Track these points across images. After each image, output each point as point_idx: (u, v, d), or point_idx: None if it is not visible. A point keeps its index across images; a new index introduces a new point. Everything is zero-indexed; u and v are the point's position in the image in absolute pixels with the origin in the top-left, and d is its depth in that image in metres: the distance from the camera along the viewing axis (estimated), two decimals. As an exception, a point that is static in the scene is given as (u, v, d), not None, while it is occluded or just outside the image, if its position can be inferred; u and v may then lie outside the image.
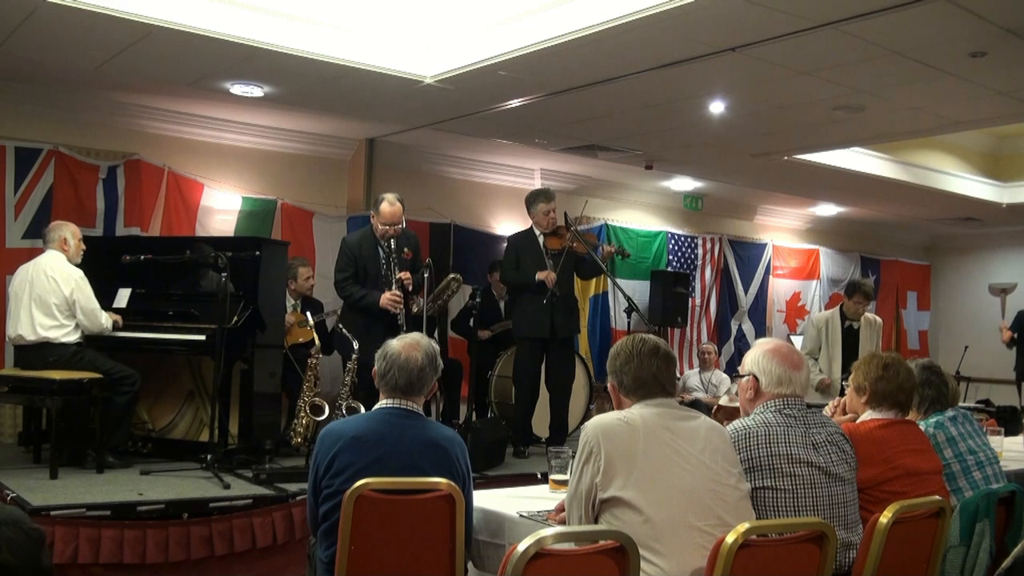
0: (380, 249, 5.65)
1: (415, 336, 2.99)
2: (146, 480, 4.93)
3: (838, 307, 6.84)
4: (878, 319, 6.91)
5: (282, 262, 6.15)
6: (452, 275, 6.92)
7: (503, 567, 2.03)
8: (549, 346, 6.24)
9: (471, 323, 6.65)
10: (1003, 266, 11.88)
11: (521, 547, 2.02)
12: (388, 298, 5.48)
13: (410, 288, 5.51)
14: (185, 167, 7.10)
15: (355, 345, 5.56)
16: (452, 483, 2.68)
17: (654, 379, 2.59)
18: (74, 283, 5.17)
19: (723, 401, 7.45)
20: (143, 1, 4.81)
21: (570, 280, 6.37)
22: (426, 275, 5.54)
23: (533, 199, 6.33)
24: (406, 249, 5.66)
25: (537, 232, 6.31)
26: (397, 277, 5.51)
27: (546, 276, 6.07)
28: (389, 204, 5.56)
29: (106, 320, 5.31)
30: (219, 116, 7.15)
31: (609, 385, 2.72)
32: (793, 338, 10.28)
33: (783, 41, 4.82)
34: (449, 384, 6.96)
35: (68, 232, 5.36)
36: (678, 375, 9.32)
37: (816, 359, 6.65)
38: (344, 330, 5.52)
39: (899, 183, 8.72)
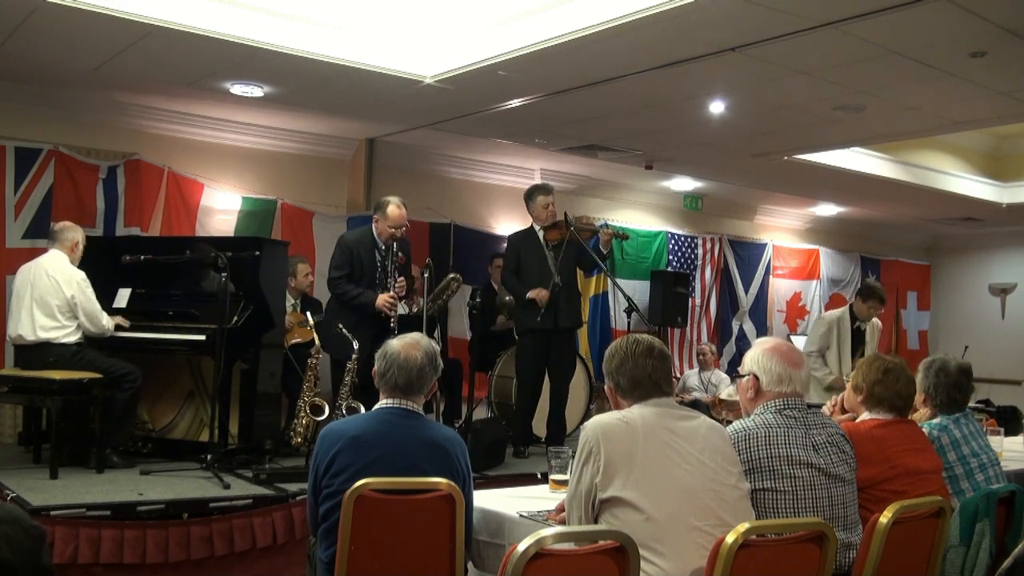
0: (377, 252, 5.68)
1: (415, 336, 2.99)
2: (146, 480, 4.93)
3: (848, 307, 6.85)
4: (879, 322, 6.95)
5: (282, 262, 6.15)
6: (452, 275, 6.92)
7: (503, 567, 2.03)
8: (552, 337, 6.23)
9: (471, 324, 6.65)
10: (1003, 266, 11.89)
11: (521, 547, 2.02)
12: (385, 300, 5.50)
13: (402, 295, 5.57)
14: (185, 167, 7.10)
15: (355, 345, 5.56)
16: (452, 483, 2.68)
17: (650, 379, 2.59)
18: (76, 285, 5.17)
19: (723, 395, 7.44)
20: (143, 1, 4.81)
21: (572, 271, 6.36)
22: (426, 275, 5.54)
23: (532, 193, 6.33)
24: (400, 254, 5.68)
25: (537, 228, 6.30)
26: (394, 282, 5.55)
27: (537, 295, 6.08)
28: (396, 207, 5.63)
29: (107, 322, 5.31)
30: (219, 116, 7.15)
31: (606, 387, 2.73)
32: (793, 338, 10.27)
33: (783, 41, 4.82)
34: (449, 384, 6.96)
35: (80, 236, 5.40)
36: (677, 375, 9.32)
37: (824, 358, 6.67)
38: (344, 330, 5.52)
39: (899, 183, 8.72)
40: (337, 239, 5.91)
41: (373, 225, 5.73)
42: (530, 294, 6.11)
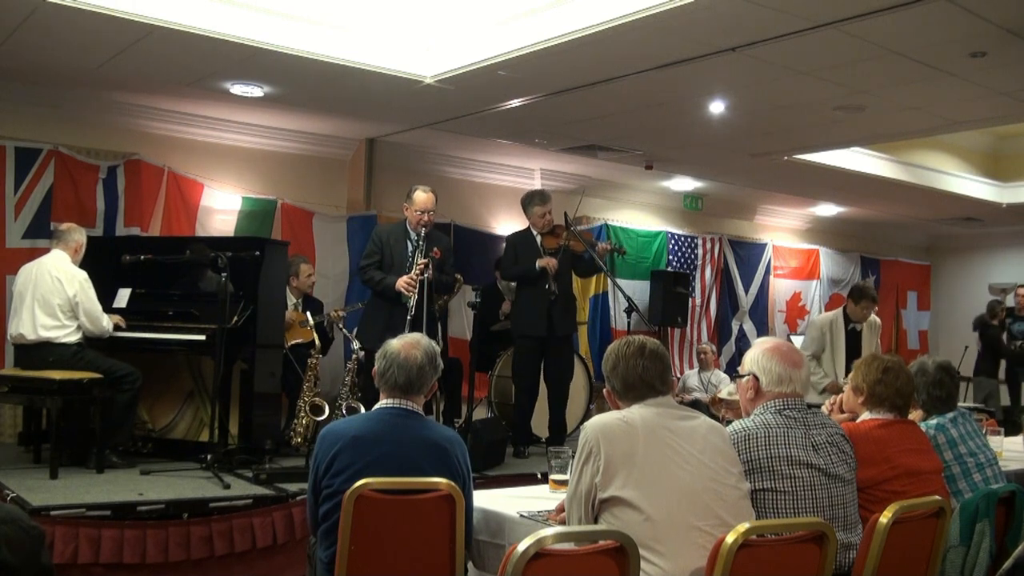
0: (409, 242, 5.69)
1: (415, 335, 3.00)
2: (146, 480, 4.93)
3: (841, 309, 6.79)
4: (878, 320, 6.90)
5: (282, 262, 6.15)
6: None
7: (503, 567, 2.03)
8: (548, 344, 6.24)
9: (473, 322, 6.65)
10: (1003, 266, 11.89)
11: (521, 547, 2.02)
12: (404, 281, 5.48)
13: (427, 275, 5.46)
14: (185, 167, 7.10)
15: (355, 345, 5.57)
16: (452, 483, 2.68)
17: (641, 380, 2.59)
18: (78, 284, 5.17)
19: (722, 395, 7.43)
20: (143, 1, 4.81)
21: (568, 278, 6.37)
22: (426, 276, 5.53)
23: (528, 201, 6.33)
24: (436, 248, 5.62)
25: (534, 232, 6.31)
26: (417, 262, 5.49)
27: (547, 262, 6.06)
28: (422, 191, 5.69)
29: (107, 323, 5.31)
30: (219, 116, 7.15)
31: (605, 391, 2.73)
32: (793, 338, 10.28)
33: (783, 41, 4.82)
34: (449, 384, 6.96)
35: (84, 239, 5.41)
36: (678, 375, 9.31)
37: (819, 360, 6.64)
38: (343, 329, 5.53)
39: (899, 183, 8.72)
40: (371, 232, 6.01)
41: (406, 215, 5.77)
42: (540, 262, 6.09)
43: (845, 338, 6.64)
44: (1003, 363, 9.82)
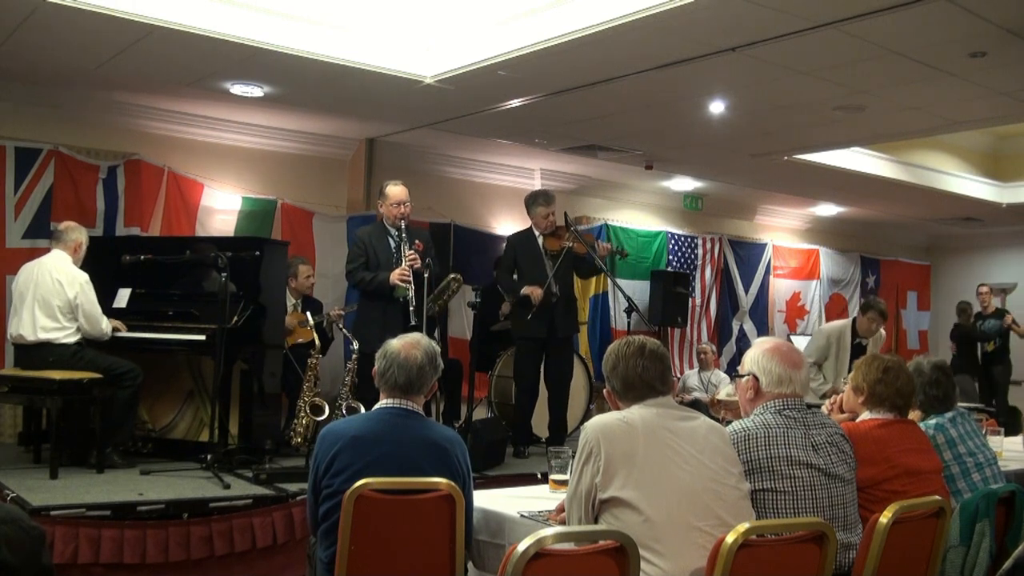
0: (390, 238, 5.69)
1: (415, 335, 3.00)
2: (146, 480, 4.93)
3: (851, 321, 6.79)
4: (883, 333, 6.87)
5: (282, 262, 6.15)
6: (452, 275, 6.92)
7: (503, 567, 2.03)
8: (548, 345, 6.25)
9: (473, 322, 6.66)
10: (1003, 266, 11.89)
11: (521, 547, 2.02)
12: (397, 274, 5.49)
13: (417, 265, 5.49)
14: (185, 167, 7.10)
15: (355, 345, 5.57)
16: (452, 483, 2.68)
17: (641, 380, 2.59)
18: (79, 286, 5.17)
19: (721, 396, 7.44)
20: (143, 1, 4.81)
21: (569, 280, 6.37)
22: (426, 275, 5.54)
23: (532, 201, 6.33)
24: (417, 241, 5.63)
25: (536, 232, 6.31)
26: (406, 254, 5.51)
27: (531, 292, 6.07)
28: (393, 185, 5.70)
29: (106, 326, 5.30)
30: (219, 116, 7.15)
31: (605, 391, 2.73)
32: (793, 338, 10.28)
33: (783, 41, 4.83)
34: (449, 384, 6.96)
35: (84, 237, 5.39)
36: (678, 375, 9.31)
37: (819, 368, 6.63)
38: (343, 329, 5.52)
39: (899, 183, 8.72)
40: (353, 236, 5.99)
41: (381, 215, 5.77)
42: (525, 290, 6.11)
43: (851, 352, 6.62)
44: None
